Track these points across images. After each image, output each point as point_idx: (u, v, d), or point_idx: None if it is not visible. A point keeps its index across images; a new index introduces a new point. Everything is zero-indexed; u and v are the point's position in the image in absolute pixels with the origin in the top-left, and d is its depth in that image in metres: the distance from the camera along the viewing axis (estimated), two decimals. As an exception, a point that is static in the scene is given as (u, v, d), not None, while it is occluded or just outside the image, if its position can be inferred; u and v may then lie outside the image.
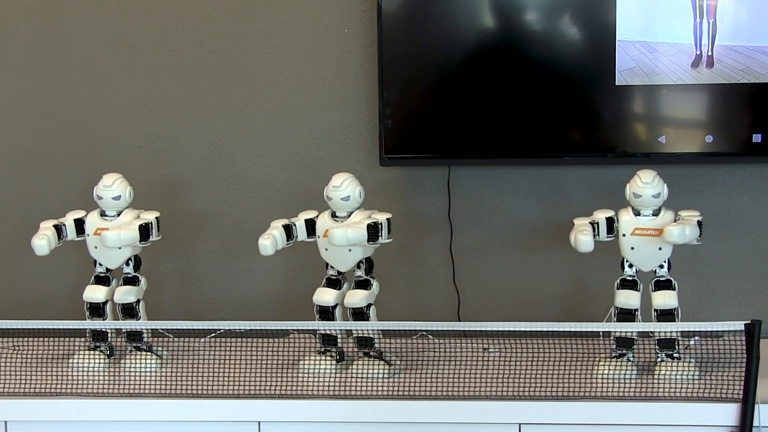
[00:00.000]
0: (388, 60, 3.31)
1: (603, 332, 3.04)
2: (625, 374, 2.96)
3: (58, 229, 3.17)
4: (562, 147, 3.31)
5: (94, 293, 3.18)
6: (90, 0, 3.53)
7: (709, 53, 3.19)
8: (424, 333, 3.19)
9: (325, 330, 3.09)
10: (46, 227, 3.16)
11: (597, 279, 3.43)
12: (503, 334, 3.05)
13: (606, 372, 2.97)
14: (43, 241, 3.11)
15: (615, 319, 3.01)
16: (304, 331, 3.19)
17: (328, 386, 2.97)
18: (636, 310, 3.00)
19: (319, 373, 3.06)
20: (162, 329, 3.19)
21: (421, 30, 3.31)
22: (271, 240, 3.04)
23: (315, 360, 3.08)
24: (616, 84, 3.22)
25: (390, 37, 3.30)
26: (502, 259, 3.50)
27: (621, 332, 2.99)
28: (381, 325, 3.05)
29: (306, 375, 3.06)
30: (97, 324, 3.15)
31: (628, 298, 3.00)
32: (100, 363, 3.15)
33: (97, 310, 3.18)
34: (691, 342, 3.05)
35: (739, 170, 3.38)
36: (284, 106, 3.53)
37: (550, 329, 2.84)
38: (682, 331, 2.96)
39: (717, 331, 2.88)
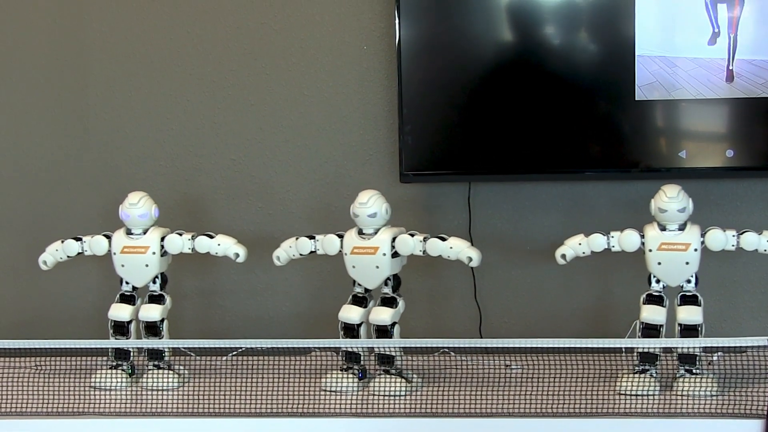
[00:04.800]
0: (407, 76, 3.31)
1: (626, 348, 3.02)
2: (647, 390, 2.95)
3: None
4: (583, 162, 3.30)
5: (119, 312, 3.19)
6: (109, 19, 3.55)
7: (730, 67, 3.18)
8: (446, 350, 3.19)
9: (347, 347, 3.09)
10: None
11: (620, 294, 3.42)
12: (525, 350, 3.04)
13: (628, 387, 2.95)
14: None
15: (639, 334, 2.99)
16: (325, 349, 3.19)
17: (349, 404, 2.96)
18: (661, 325, 2.98)
19: (340, 389, 3.05)
20: (183, 348, 3.19)
21: (440, 47, 3.31)
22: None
23: (337, 377, 3.08)
24: (636, 99, 3.22)
25: (409, 53, 3.30)
26: (524, 275, 3.49)
27: (645, 348, 2.97)
28: (402, 342, 3.05)
29: (328, 392, 3.05)
30: (116, 343, 3.15)
31: (654, 314, 2.98)
32: (121, 382, 3.16)
33: (121, 328, 3.19)
34: (714, 357, 3.03)
35: (761, 184, 3.37)
36: (304, 124, 3.53)
37: (573, 345, 2.83)
38: (704, 347, 2.95)
39: (740, 347, 2.86)
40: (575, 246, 3.10)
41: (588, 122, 3.27)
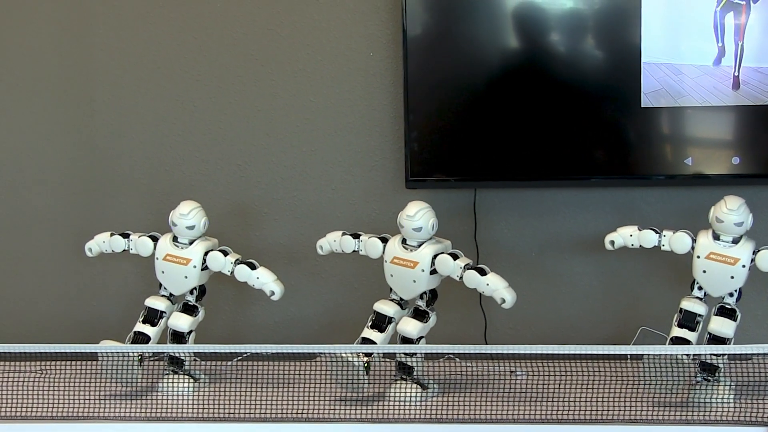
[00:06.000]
0: (413, 83, 3.32)
1: (631, 355, 3.02)
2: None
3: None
4: (589, 169, 3.30)
5: (156, 302, 3.18)
6: (116, 25, 3.56)
7: (736, 74, 3.17)
8: (451, 356, 3.19)
9: (345, 352, 3.06)
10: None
11: (624, 300, 3.41)
12: (530, 356, 3.04)
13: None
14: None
15: (677, 319, 2.99)
16: (328, 354, 3.19)
17: (353, 409, 2.96)
18: (700, 315, 2.97)
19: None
20: (198, 352, 3.18)
21: (446, 53, 3.31)
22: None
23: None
24: (642, 106, 3.21)
25: (415, 60, 3.31)
26: (529, 282, 3.48)
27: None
28: (408, 347, 3.04)
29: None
30: (119, 348, 3.09)
31: (694, 305, 2.97)
32: (130, 366, 3.08)
33: (152, 317, 3.17)
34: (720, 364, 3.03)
35: (767, 192, 3.36)
36: (310, 129, 3.53)
37: (577, 352, 2.83)
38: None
39: (745, 354, 2.86)
40: (626, 236, 3.08)
41: (594, 129, 3.27)
